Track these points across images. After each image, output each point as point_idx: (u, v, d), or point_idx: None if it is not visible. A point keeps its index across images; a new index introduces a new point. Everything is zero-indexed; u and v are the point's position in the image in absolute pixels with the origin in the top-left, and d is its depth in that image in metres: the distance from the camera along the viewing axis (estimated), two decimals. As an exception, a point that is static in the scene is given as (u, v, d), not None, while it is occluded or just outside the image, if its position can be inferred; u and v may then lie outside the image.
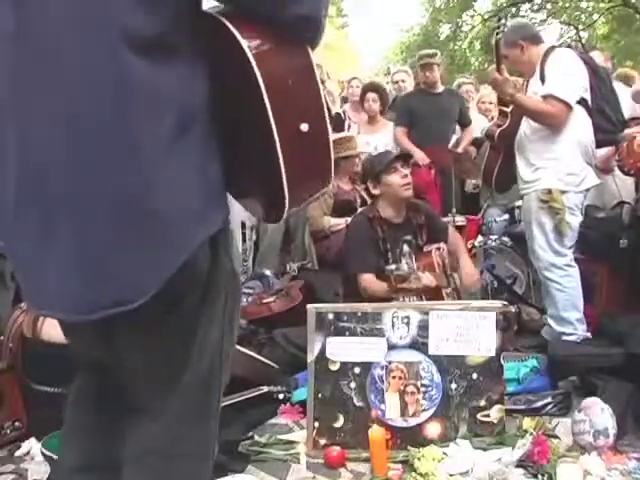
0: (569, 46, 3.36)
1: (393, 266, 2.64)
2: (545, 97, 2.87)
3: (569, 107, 2.85)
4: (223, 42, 0.98)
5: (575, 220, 2.94)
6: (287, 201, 1.03)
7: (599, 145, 3.05)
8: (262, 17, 0.99)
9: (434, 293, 2.83)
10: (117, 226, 0.94)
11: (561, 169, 2.91)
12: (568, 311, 2.94)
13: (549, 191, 2.90)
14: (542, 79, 2.94)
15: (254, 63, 0.96)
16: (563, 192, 2.90)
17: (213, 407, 1.19)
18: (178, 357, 1.11)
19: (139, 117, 0.92)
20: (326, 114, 1.06)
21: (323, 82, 4.89)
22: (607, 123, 3.00)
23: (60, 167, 0.93)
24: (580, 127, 2.92)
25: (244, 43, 0.97)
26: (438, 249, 3.05)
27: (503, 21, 3.08)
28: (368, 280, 2.89)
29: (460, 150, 4.66)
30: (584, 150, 2.94)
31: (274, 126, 0.98)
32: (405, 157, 3.20)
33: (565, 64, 2.92)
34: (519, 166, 3.08)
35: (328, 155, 1.08)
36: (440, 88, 4.77)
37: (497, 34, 3.06)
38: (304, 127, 1.01)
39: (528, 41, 3.04)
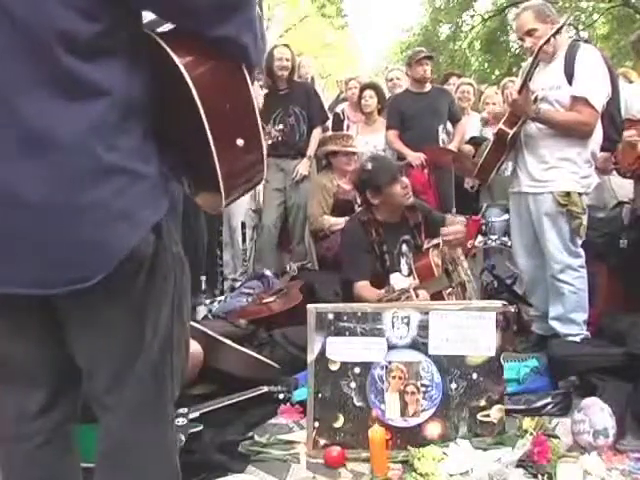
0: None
1: (382, 291, 2.65)
2: (576, 99, 2.78)
3: (598, 114, 2.78)
4: (162, 58, 1.06)
5: (586, 221, 2.91)
6: (223, 199, 1.15)
7: (602, 150, 3.02)
8: (191, 35, 1.07)
9: (433, 297, 2.81)
10: (70, 212, 1.00)
11: (577, 171, 2.86)
12: (577, 312, 2.94)
13: (567, 194, 2.84)
14: (568, 73, 2.82)
15: (192, 85, 1.04)
16: (580, 194, 2.86)
17: (168, 393, 1.22)
18: (131, 340, 1.14)
19: (79, 109, 0.98)
20: (260, 128, 1.17)
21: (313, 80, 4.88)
22: (614, 131, 2.95)
23: (11, 161, 0.98)
24: (595, 132, 2.87)
25: (181, 65, 1.04)
26: (436, 246, 3.04)
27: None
28: (361, 288, 2.89)
29: (453, 147, 4.63)
30: (593, 153, 2.91)
31: (213, 146, 1.07)
32: (401, 170, 3.12)
33: (597, 66, 2.83)
34: (528, 162, 2.99)
35: (261, 161, 1.19)
36: (428, 87, 4.77)
37: (547, 40, 2.82)
38: (240, 142, 1.12)
39: (558, 21, 2.90)
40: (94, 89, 0.99)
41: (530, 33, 2.92)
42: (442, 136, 4.66)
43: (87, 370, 1.17)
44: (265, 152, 1.19)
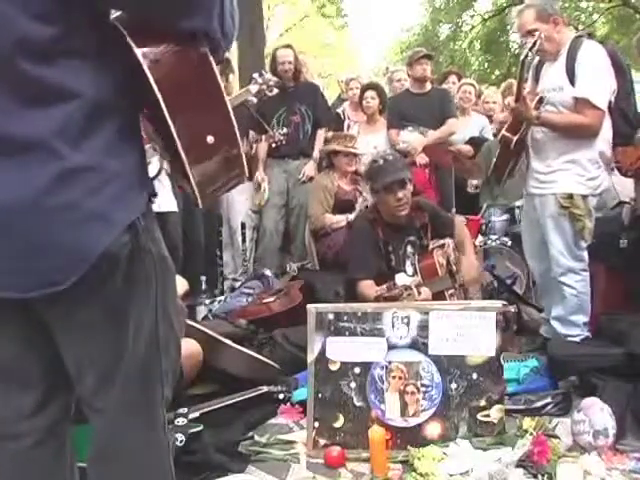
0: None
1: (384, 287, 2.65)
2: (579, 100, 2.75)
3: (603, 113, 2.75)
4: (128, 51, 1.05)
5: (592, 224, 2.86)
6: (199, 198, 1.13)
7: (614, 146, 2.96)
8: (158, 29, 1.06)
9: (435, 296, 2.81)
10: (40, 214, 0.99)
11: (582, 173, 2.82)
12: (577, 314, 2.92)
13: (570, 196, 2.81)
14: (569, 72, 2.79)
15: (150, 75, 1.03)
16: (584, 197, 2.83)
17: (157, 395, 1.21)
18: (114, 342, 1.14)
19: (43, 112, 0.98)
20: (234, 123, 1.12)
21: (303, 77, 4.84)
22: (626, 125, 2.91)
23: None
24: (603, 131, 2.82)
25: (140, 55, 1.03)
26: (441, 247, 3.03)
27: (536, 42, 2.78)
28: (365, 286, 2.89)
29: (425, 141, 4.57)
30: (603, 153, 2.87)
31: (177, 139, 1.06)
32: (402, 182, 2.99)
33: (599, 63, 2.77)
34: (533, 163, 2.98)
35: (238, 158, 1.16)
36: (428, 87, 4.77)
37: (527, 55, 2.82)
38: (210, 139, 1.09)
39: (561, 19, 2.86)
40: (59, 92, 0.99)
41: (531, 33, 2.87)
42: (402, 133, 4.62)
43: (75, 372, 1.17)
44: (242, 149, 1.16)
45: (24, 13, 0.94)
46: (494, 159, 3.17)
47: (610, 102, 2.80)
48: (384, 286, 2.68)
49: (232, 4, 1.13)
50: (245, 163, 1.18)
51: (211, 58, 1.10)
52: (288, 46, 4.71)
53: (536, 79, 3.04)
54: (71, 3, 0.99)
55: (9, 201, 0.98)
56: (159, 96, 1.03)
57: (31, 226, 0.99)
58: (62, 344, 1.14)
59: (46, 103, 0.98)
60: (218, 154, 1.12)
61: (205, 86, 1.10)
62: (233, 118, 1.13)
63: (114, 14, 1.09)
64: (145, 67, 1.03)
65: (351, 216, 3.85)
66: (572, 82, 2.79)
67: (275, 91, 4.01)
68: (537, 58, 3.06)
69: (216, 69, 1.11)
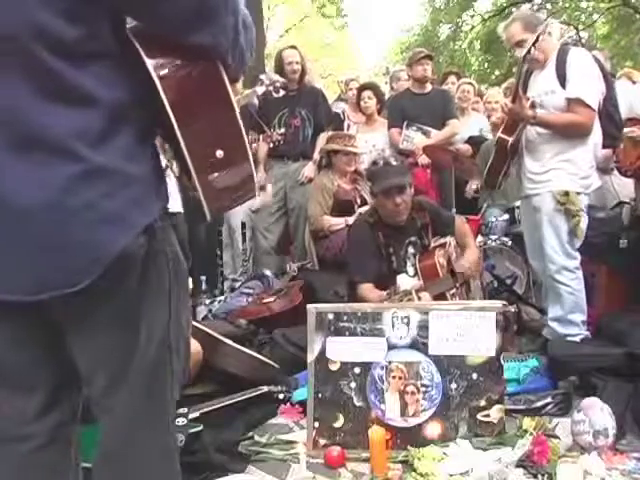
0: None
1: (385, 293, 2.65)
2: (572, 100, 2.82)
3: (595, 113, 2.83)
4: (140, 60, 1.05)
5: (585, 222, 2.91)
6: (206, 210, 1.13)
7: (603, 147, 3.04)
8: (170, 41, 1.06)
9: (436, 296, 2.81)
10: (57, 215, 0.98)
11: (576, 172, 2.88)
12: (574, 313, 2.94)
13: (566, 193, 2.86)
14: (560, 76, 2.87)
15: (159, 84, 1.03)
16: (578, 194, 2.88)
17: (167, 395, 1.22)
18: (127, 342, 1.14)
19: (67, 112, 0.98)
20: (244, 136, 1.13)
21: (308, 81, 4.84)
22: (613, 128, 2.98)
23: None
24: (593, 133, 2.90)
25: (151, 67, 1.03)
26: (442, 246, 3.03)
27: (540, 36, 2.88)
28: (365, 289, 2.89)
29: (426, 143, 4.58)
30: (594, 153, 2.94)
31: (185, 150, 1.05)
32: (401, 187, 2.96)
33: (588, 67, 2.87)
34: (527, 165, 3.02)
35: (250, 174, 1.16)
36: (429, 87, 4.78)
37: (529, 51, 2.89)
38: (219, 154, 1.09)
39: (547, 29, 2.96)
40: (81, 94, 0.99)
41: (520, 44, 2.97)
42: (406, 132, 4.62)
43: (86, 372, 1.17)
44: (253, 164, 1.16)
45: (44, 8, 0.93)
46: (489, 162, 3.20)
47: (599, 104, 2.88)
48: (385, 292, 2.69)
49: (246, 27, 1.13)
50: (256, 178, 1.18)
51: (223, 72, 1.09)
52: (293, 47, 4.72)
53: (524, 89, 3.07)
54: (93, 5, 0.98)
55: (25, 200, 0.97)
56: (167, 106, 1.03)
57: (48, 226, 0.98)
58: (74, 345, 1.14)
59: (68, 103, 0.98)
60: (228, 168, 1.12)
61: (215, 100, 1.10)
62: (244, 132, 1.12)
63: (129, 24, 1.09)
64: (155, 77, 1.03)
65: (350, 219, 3.84)
66: (563, 85, 2.87)
67: (282, 92, 4.02)
68: (524, 68, 3.11)
69: (228, 84, 1.10)
